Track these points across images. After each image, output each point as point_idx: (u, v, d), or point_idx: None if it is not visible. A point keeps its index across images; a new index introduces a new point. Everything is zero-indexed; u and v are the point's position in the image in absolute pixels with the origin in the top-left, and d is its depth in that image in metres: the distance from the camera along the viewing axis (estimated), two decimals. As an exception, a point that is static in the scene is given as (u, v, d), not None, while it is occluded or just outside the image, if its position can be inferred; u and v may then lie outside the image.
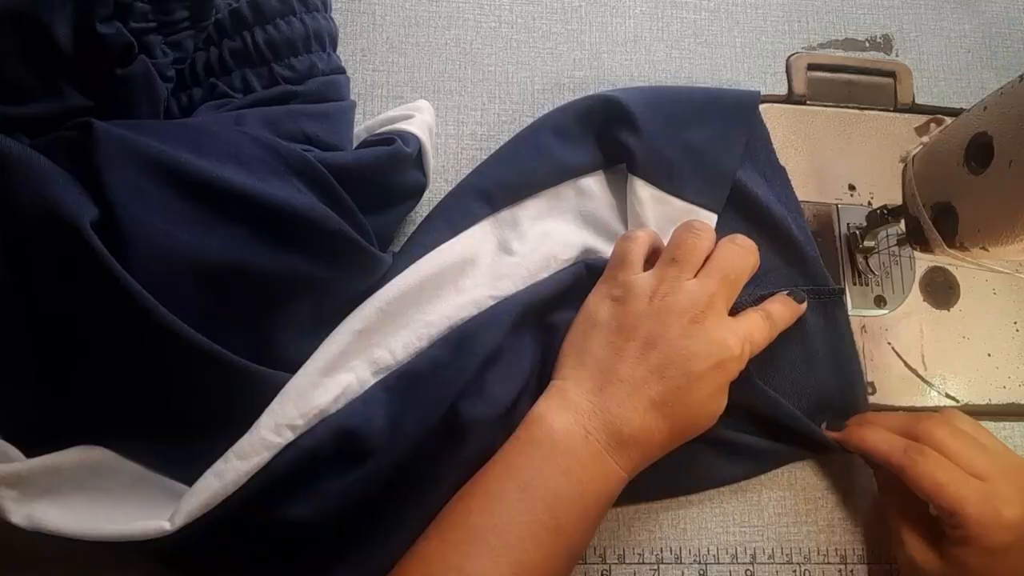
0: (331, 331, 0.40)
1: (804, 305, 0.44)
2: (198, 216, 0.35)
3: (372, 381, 0.39)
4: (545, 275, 0.43)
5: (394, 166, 0.42)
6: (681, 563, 0.44)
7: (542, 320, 0.43)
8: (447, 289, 0.42)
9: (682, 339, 0.38)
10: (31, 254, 0.33)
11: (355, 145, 0.45)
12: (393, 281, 0.41)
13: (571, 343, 0.41)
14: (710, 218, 0.46)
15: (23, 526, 0.34)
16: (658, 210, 0.45)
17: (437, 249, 0.43)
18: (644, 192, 0.45)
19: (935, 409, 0.45)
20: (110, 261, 0.32)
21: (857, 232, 0.49)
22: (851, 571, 0.45)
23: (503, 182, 0.46)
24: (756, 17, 0.55)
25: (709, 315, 0.39)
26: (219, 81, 0.41)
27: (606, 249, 0.45)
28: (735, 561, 0.44)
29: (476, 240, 0.44)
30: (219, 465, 0.36)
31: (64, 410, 0.36)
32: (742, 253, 0.42)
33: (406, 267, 0.42)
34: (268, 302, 0.38)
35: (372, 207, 0.42)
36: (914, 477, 0.39)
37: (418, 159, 0.44)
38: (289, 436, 0.36)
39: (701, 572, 0.44)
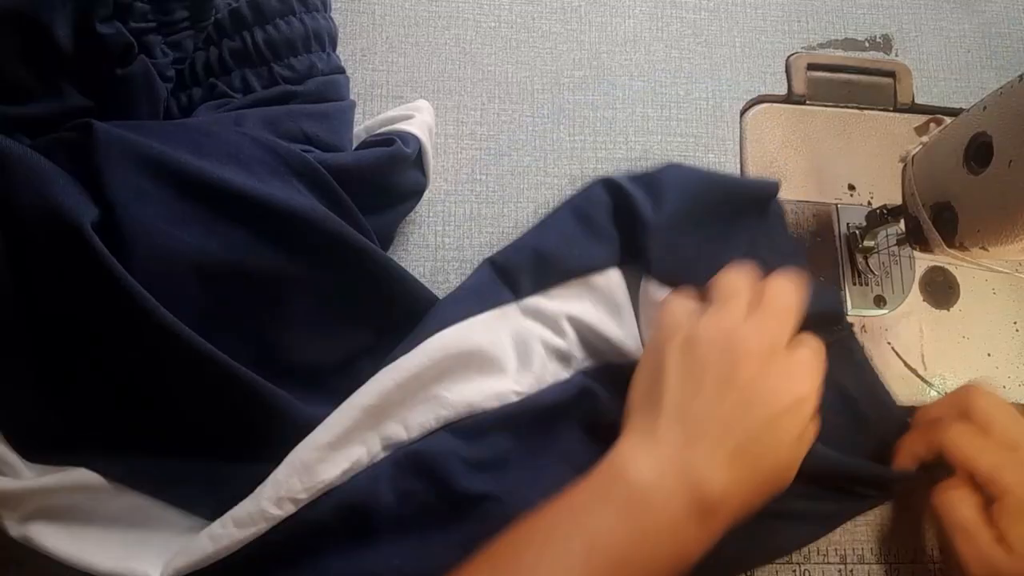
0: (332, 331, 0.40)
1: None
2: (198, 217, 0.35)
3: (382, 455, 0.38)
4: (566, 375, 0.41)
5: (394, 166, 0.42)
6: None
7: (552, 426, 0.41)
8: (471, 372, 0.40)
9: (759, 377, 0.35)
10: (31, 254, 0.33)
11: (355, 145, 0.45)
12: (414, 352, 0.39)
13: (639, 396, 0.38)
14: None
15: (19, 540, 0.34)
16: None
17: (466, 323, 0.40)
18: (659, 295, 0.42)
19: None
20: (111, 261, 0.32)
21: (857, 232, 0.49)
22: (851, 571, 0.45)
23: (528, 269, 0.43)
24: (756, 17, 0.55)
25: (778, 351, 0.37)
26: (219, 81, 0.41)
27: (627, 346, 0.42)
28: (735, 561, 0.44)
29: (500, 325, 0.42)
30: (215, 529, 0.35)
31: (65, 412, 0.36)
32: (789, 287, 0.39)
33: (429, 334, 0.39)
34: (269, 303, 0.38)
35: (372, 207, 0.42)
36: (951, 448, 0.39)
37: (418, 159, 0.44)
38: (291, 509, 0.35)
39: (701, 572, 0.44)
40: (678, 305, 0.40)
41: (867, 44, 0.55)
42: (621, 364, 0.42)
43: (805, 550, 0.45)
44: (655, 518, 0.32)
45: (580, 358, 0.42)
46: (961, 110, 0.41)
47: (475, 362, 0.40)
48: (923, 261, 0.50)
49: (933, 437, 0.41)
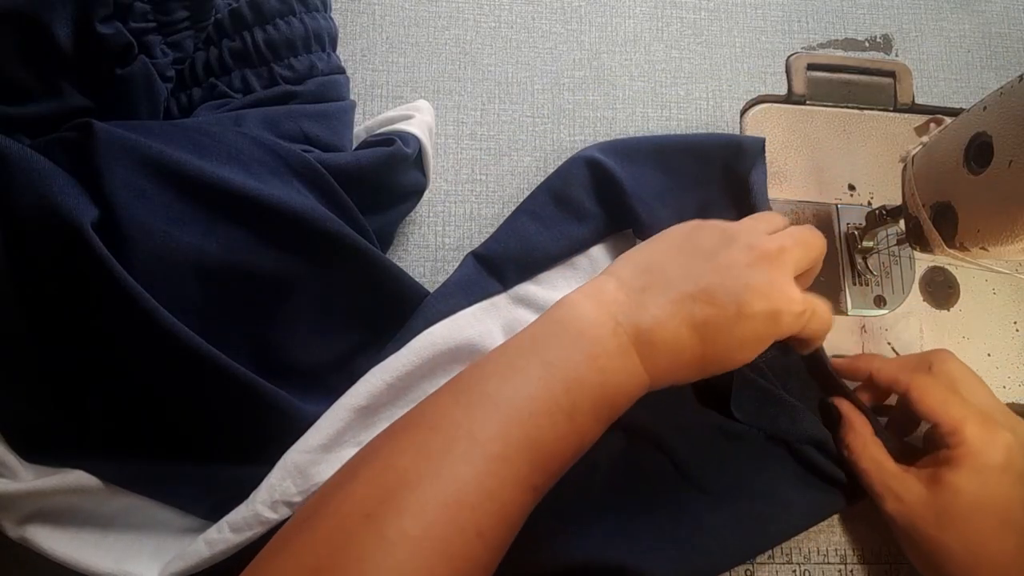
0: (331, 330, 0.40)
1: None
2: (198, 217, 0.35)
3: None
4: None
5: (394, 166, 0.42)
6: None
7: None
8: (462, 367, 0.39)
9: (745, 268, 0.37)
10: (31, 254, 0.33)
11: (355, 145, 0.45)
12: (403, 351, 0.39)
13: (633, 250, 0.40)
14: None
15: (17, 541, 0.34)
16: None
17: (454, 318, 0.41)
18: None
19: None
20: (111, 262, 0.32)
21: (856, 232, 0.49)
22: (851, 571, 0.45)
23: (513, 258, 0.44)
24: (756, 17, 0.55)
25: (779, 263, 0.37)
26: (219, 81, 0.41)
27: None
28: (735, 561, 0.44)
29: (490, 317, 0.42)
30: (211, 534, 0.35)
31: (62, 413, 0.36)
32: (815, 235, 0.41)
33: (417, 332, 0.40)
34: (268, 302, 0.38)
35: (372, 207, 0.42)
36: (919, 397, 0.40)
37: (418, 159, 0.44)
38: (285, 512, 0.35)
39: (701, 572, 0.44)
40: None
41: (867, 44, 0.55)
42: None
43: (806, 550, 0.45)
44: (602, 345, 0.34)
45: None
46: (961, 110, 0.41)
47: (465, 356, 0.40)
48: (923, 261, 0.50)
49: (897, 383, 0.42)
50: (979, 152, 0.37)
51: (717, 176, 0.47)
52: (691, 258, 0.37)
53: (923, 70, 0.55)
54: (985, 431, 0.39)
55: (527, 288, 0.43)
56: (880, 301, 0.49)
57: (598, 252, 0.45)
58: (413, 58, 0.51)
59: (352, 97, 0.47)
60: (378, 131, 0.45)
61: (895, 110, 0.53)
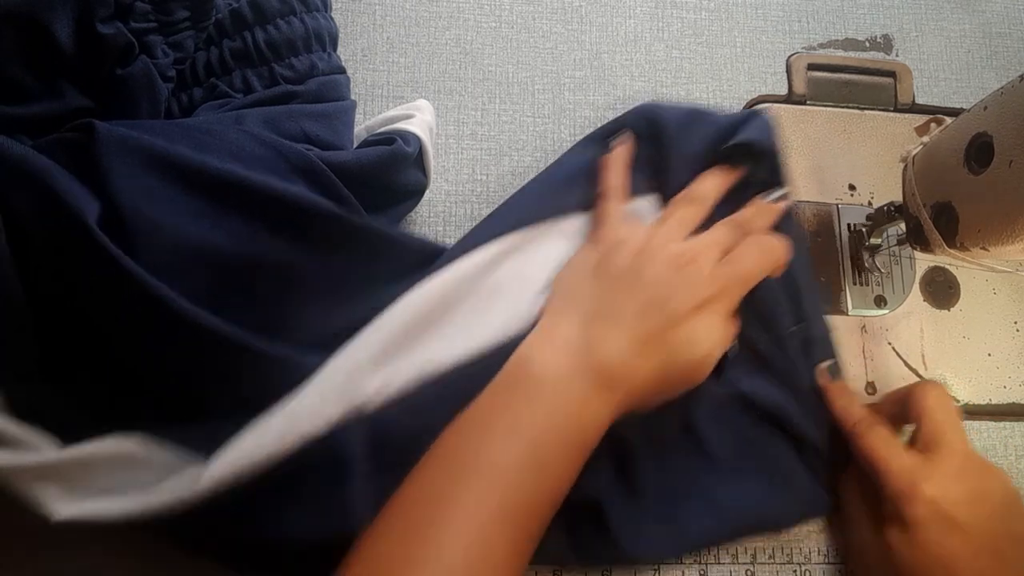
0: (340, 308, 0.40)
1: (780, 206, 0.44)
2: (207, 210, 0.36)
3: (416, 382, 0.39)
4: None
5: (395, 165, 0.42)
6: (681, 563, 0.44)
7: None
8: (507, 297, 0.41)
9: (665, 283, 0.39)
10: (36, 252, 0.33)
11: (355, 145, 0.45)
12: (447, 269, 0.40)
13: (558, 283, 0.41)
14: None
15: (60, 519, 0.34)
16: None
17: (520, 233, 0.42)
18: None
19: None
20: (118, 254, 0.33)
21: (863, 230, 0.48)
22: (851, 571, 0.45)
23: (579, 186, 0.45)
24: (756, 17, 0.55)
25: (696, 262, 0.39)
26: (219, 81, 0.41)
27: None
28: (735, 561, 0.44)
29: (551, 237, 0.44)
30: (279, 424, 0.35)
31: (80, 398, 0.36)
32: (765, 256, 0.41)
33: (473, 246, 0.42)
34: (277, 289, 0.38)
35: (373, 207, 0.42)
36: (858, 445, 0.41)
37: (418, 159, 0.44)
38: (323, 429, 0.36)
39: (701, 572, 0.44)
40: (609, 212, 0.43)
41: (867, 44, 0.55)
42: None
43: (806, 550, 0.45)
44: (562, 400, 0.36)
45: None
46: (961, 110, 0.41)
47: (505, 289, 0.41)
48: (923, 261, 0.50)
49: (832, 397, 0.43)
50: (979, 152, 0.37)
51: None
52: (615, 282, 0.39)
53: (923, 70, 0.55)
54: (906, 482, 0.38)
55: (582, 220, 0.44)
56: (880, 301, 0.49)
57: (645, 204, 0.46)
58: (413, 58, 0.51)
59: (353, 97, 0.47)
60: (379, 130, 0.45)
61: (895, 110, 0.53)
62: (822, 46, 0.55)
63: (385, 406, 0.37)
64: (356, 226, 0.39)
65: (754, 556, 0.44)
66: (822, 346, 0.44)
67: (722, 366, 0.43)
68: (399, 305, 0.39)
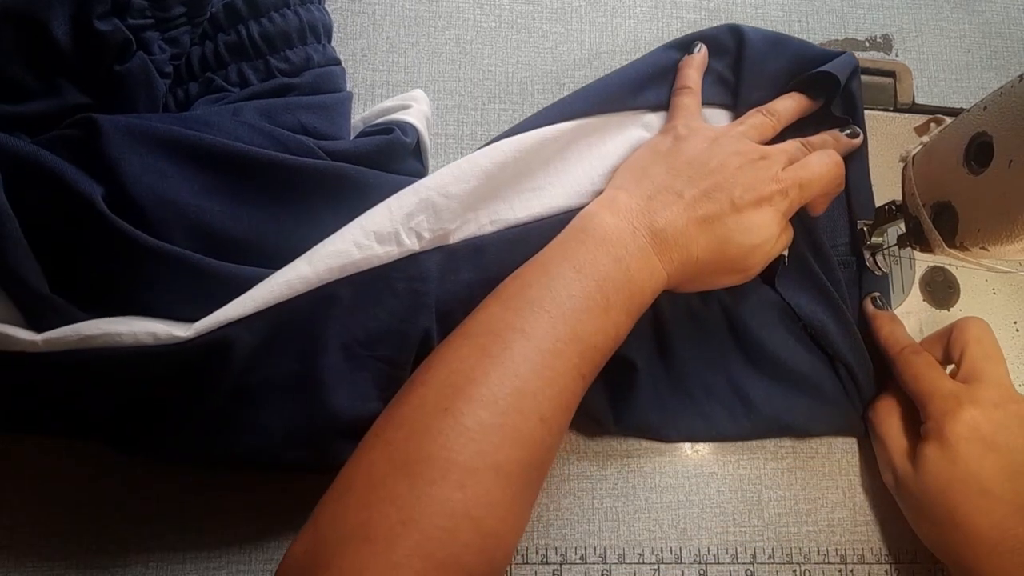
0: None
1: (856, 140, 0.47)
2: (223, 187, 0.36)
3: (489, 230, 0.42)
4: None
5: (393, 155, 0.42)
6: (681, 563, 0.44)
7: None
8: (584, 168, 0.44)
9: (734, 172, 0.40)
10: (49, 238, 0.34)
11: (353, 136, 0.45)
12: (539, 131, 0.43)
13: (629, 162, 0.44)
14: None
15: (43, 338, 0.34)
16: None
17: (601, 119, 0.45)
18: None
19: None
20: (129, 230, 0.34)
21: (865, 229, 0.48)
22: (851, 571, 0.45)
23: (650, 86, 0.47)
24: (756, 17, 0.55)
25: (767, 163, 0.41)
26: (215, 75, 0.41)
27: None
28: (735, 561, 0.44)
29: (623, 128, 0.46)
30: (360, 238, 0.37)
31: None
32: (830, 168, 0.43)
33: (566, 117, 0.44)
34: (284, 253, 0.38)
35: (370, 199, 0.42)
36: (902, 368, 0.43)
37: (416, 148, 0.44)
38: (414, 245, 0.39)
39: (701, 572, 0.44)
40: (689, 104, 0.45)
41: (867, 44, 0.55)
42: None
43: (805, 550, 0.45)
44: (626, 246, 0.38)
45: None
46: (961, 110, 0.41)
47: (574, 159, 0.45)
48: (923, 261, 0.50)
49: (888, 351, 0.45)
50: (979, 152, 0.37)
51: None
52: (686, 166, 0.41)
53: (923, 70, 0.55)
54: (950, 404, 0.40)
55: (651, 117, 0.47)
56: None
57: (720, 115, 0.48)
58: (413, 58, 0.51)
59: (352, 97, 0.47)
60: (376, 121, 0.45)
61: (895, 110, 0.53)
62: (822, 46, 0.55)
63: (462, 243, 0.41)
64: (354, 175, 0.40)
65: (754, 556, 0.44)
66: (871, 280, 0.48)
67: (772, 271, 0.45)
68: (477, 157, 0.41)
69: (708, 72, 0.48)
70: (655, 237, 0.39)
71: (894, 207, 0.45)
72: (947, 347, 0.44)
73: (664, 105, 0.47)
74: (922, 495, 0.41)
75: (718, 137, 0.43)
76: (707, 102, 0.47)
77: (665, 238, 0.39)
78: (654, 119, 0.47)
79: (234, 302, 0.35)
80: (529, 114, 0.50)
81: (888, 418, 0.44)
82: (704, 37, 0.48)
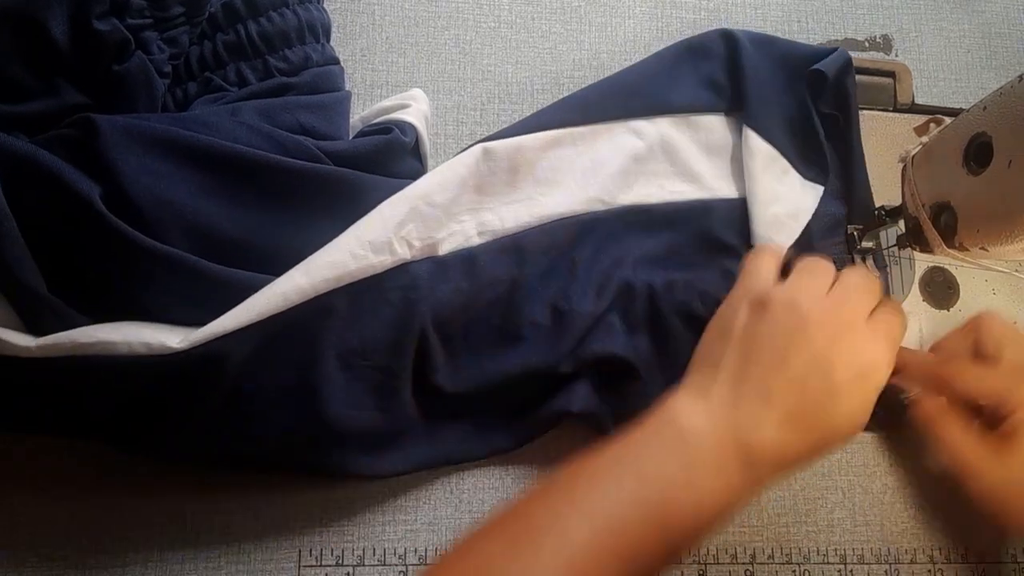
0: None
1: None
2: (221, 189, 0.36)
3: (477, 241, 0.42)
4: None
5: (392, 154, 0.42)
6: (681, 563, 0.44)
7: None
8: (574, 177, 0.45)
9: (825, 350, 0.36)
10: (48, 231, 0.34)
11: (352, 136, 0.45)
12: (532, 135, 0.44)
13: (704, 351, 0.39)
14: (817, 190, 0.48)
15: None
16: (770, 170, 0.47)
17: (568, 131, 0.45)
18: (758, 145, 0.47)
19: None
20: (127, 230, 0.34)
21: (856, 233, 0.48)
22: (851, 571, 0.45)
23: (640, 93, 0.47)
24: (756, 17, 0.55)
25: (853, 326, 0.37)
26: (214, 75, 0.41)
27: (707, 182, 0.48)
28: (735, 561, 0.44)
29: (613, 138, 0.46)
30: (355, 248, 0.37)
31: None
32: (867, 280, 0.40)
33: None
34: (285, 255, 0.38)
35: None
36: (959, 383, 0.42)
37: (415, 148, 0.44)
38: (406, 254, 0.39)
39: (701, 572, 0.44)
40: (761, 263, 0.40)
41: (867, 44, 0.55)
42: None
43: (805, 550, 0.45)
44: (703, 458, 0.34)
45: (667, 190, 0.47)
46: (961, 110, 0.41)
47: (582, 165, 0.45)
48: (923, 261, 0.50)
49: (941, 377, 0.43)
50: (979, 152, 0.37)
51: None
52: (767, 353, 0.36)
53: (923, 70, 0.55)
54: (1007, 396, 0.40)
55: (640, 124, 0.47)
56: (880, 301, 0.49)
57: (716, 121, 0.48)
58: (412, 58, 0.51)
59: (352, 97, 0.47)
60: (374, 121, 0.45)
61: (895, 110, 0.53)
62: (822, 46, 0.55)
63: (451, 254, 0.41)
64: (333, 178, 0.39)
65: (753, 556, 0.44)
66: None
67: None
68: (455, 165, 0.42)
69: (700, 78, 0.48)
70: (740, 452, 0.34)
71: (883, 212, 0.45)
72: (974, 346, 0.43)
73: (653, 111, 0.47)
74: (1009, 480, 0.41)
75: (796, 300, 0.38)
76: (700, 108, 0.47)
77: (752, 455, 0.34)
78: (644, 125, 0.47)
79: (228, 314, 0.35)
80: (529, 114, 0.50)
81: (941, 418, 0.43)
82: (696, 42, 0.49)
